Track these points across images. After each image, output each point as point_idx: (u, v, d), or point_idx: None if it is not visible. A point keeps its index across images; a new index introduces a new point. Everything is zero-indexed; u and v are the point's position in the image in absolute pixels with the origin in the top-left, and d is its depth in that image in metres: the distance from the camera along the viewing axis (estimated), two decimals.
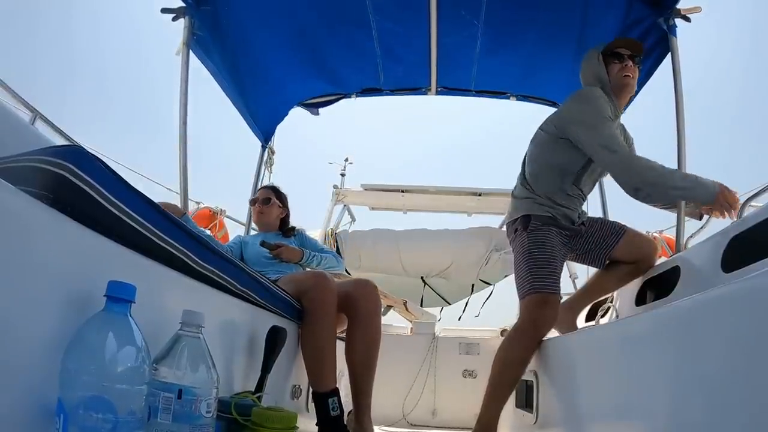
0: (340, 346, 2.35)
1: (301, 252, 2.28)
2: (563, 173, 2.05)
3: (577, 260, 2.28)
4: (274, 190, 2.56)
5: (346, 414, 1.77)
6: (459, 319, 4.03)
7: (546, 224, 2.01)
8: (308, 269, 2.29)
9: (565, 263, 2.16)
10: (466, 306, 4.07)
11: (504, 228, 4.45)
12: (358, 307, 1.91)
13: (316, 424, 1.65)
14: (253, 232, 2.90)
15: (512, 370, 1.97)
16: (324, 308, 1.72)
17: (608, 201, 3.00)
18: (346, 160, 4.80)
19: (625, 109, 2.18)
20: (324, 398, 1.64)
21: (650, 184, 1.78)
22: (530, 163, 2.14)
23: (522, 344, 1.98)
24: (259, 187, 3.37)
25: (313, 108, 3.36)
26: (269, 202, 2.48)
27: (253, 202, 2.52)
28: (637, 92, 2.39)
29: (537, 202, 2.05)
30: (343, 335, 2.39)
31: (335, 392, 1.67)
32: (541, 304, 1.96)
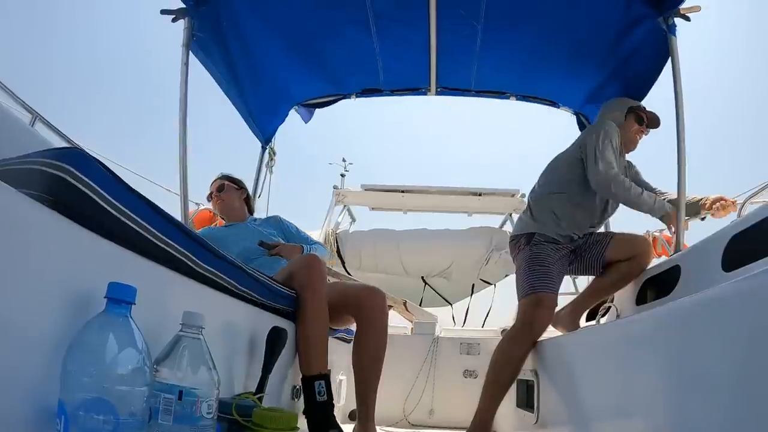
0: (343, 347, 2.36)
1: (301, 248, 2.23)
2: (573, 193, 2.23)
3: (575, 273, 2.40)
4: (225, 177, 2.48)
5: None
6: (463, 324, 4.02)
7: (548, 241, 2.18)
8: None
9: (564, 276, 2.28)
10: (466, 315, 4.07)
11: (504, 228, 4.48)
12: (367, 315, 1.90)
13: (303, 412, 1.58)
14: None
15: (509, 369, 2.04)
16: (312, 289, 1.67)
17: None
18: (344, 160, 4.80)
19: None
20: (311, 381, 1.58)
21: (622, 202, 2.20)
22: (545, 179, 2.34)
23: (519, 343, 2.06)
24: (260, 188, 3.38)
25: (306, 112, 3.35)
26: (223, 188, 2.39)
27: (209, 197, 2.42)
28: (642, 99, 2.60)
29: (543, 221, 2.22)
30: (347, 334, 2.39)
31: (323, 377, 1.60)
32: (535, 304, 2.08)
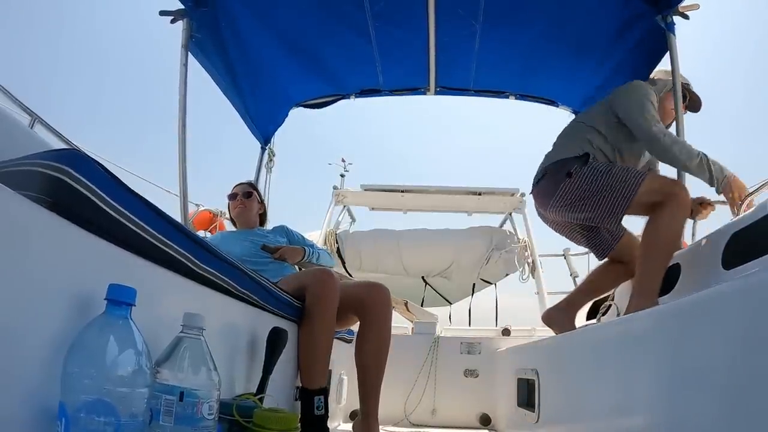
0: (344, 347, 2.36)
1: (303, 250, 2.27)
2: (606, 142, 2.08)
3: (584, 242, 2.25)
4: (252, 185, 2.54)
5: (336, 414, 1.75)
6: (469, 324, 4.03)
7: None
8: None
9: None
10: (470, 314, 4.08)
11: (504, 227, 4.48)
12: (370, 311, 1.91)
13: (299, 421, 1.63)
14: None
15: (671, 246, 1.83)
16: (324, 304, 1.70)
17: None
18: (343, 160, 4.79)
19: None
20: (311, 395, 1.62)
21: (672, 159, 1.93)
22: (582, 123, 2.15)
23: (677, 218, 1.83)
24: (260, 190, 3.38)
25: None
26: (251, 195, 2.44)
27: (233, 196, 2.44)
28: None
29: (596, 147, 2.03)
30: (347, 335, 2.39)
31: (323, 391, 1.65)
32: (668, 179, 1.93)
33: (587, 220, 2.03)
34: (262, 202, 2.55)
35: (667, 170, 2.20)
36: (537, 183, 2.15)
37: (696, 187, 1.97)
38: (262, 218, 2.55)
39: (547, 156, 2.15)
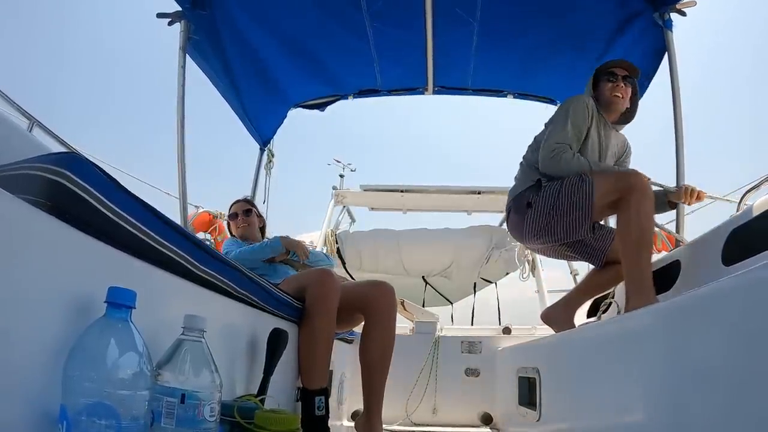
0: (345, 347, 2.36)
1: (308, 249, 2.32)
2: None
3: (576, 254, 2.26)
4: (249, 202, 2.62)
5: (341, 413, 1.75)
6: (471, 323, 4.03)
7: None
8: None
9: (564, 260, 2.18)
10: (473, 314, 4.09)
11: (504, 226, 4.48)
12: (375, 309, 1.91)
13: (300, 422, 1.63)
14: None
15: (648, 232, 1.84)
16: (324, 304, 1.70)
17: None
18: (339, 161, 4.78)
19: (624, 124, 2.23)
20: (311, 396, 1.62)
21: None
22: (537, 142, 2.19)
23: (641, 207, 1.82)
24: (264, 190, 3.40)
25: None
26: (251, 213, 2.52)
27: (233, 216, 2.52)
28: (641, 95, 2.37)
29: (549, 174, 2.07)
30: (348, 335, 2.40)
31: (324, 391, 1.65)
32: (618, 174, 1.91)
33: (563, 239, 2.05)
34: (260, 215, 2.62)
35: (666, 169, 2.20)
36: (507, 220, 2.23)
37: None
38: (263, 231, 2.62)
39: (510, 192, 2.22)
